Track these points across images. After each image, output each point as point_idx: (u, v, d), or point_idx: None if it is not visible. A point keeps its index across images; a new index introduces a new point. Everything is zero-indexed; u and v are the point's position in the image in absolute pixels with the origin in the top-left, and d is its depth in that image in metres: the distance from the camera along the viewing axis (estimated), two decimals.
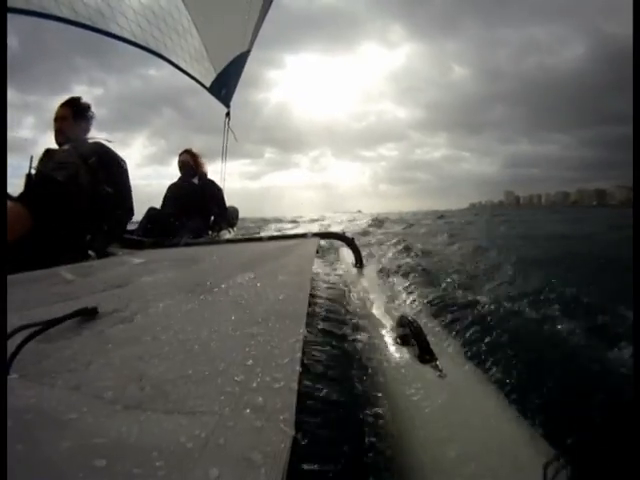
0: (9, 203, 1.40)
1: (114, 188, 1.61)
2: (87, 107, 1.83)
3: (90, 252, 1.45)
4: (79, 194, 1.45)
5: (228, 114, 3.60)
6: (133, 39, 2.78)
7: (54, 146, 1.74)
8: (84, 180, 1.48)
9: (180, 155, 3.13)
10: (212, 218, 3.16)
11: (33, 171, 1.58)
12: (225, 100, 3.58)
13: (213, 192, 3.16)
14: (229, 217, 3.37)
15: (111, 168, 1.66)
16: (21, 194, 1.42)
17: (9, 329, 0.48)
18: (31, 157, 1.56)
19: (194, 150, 3.13)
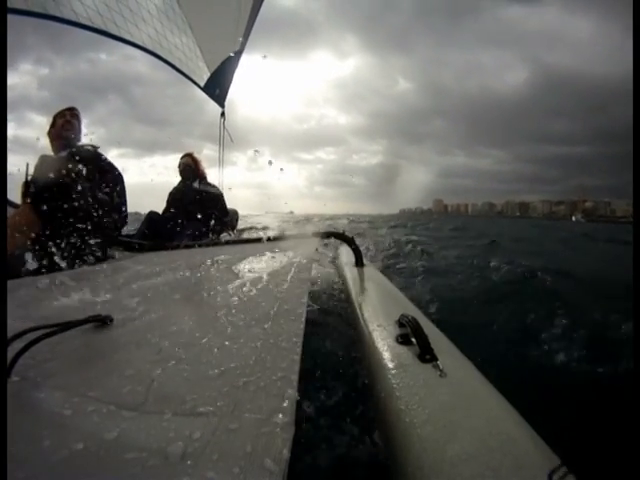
0: (13, 207, 1.42)
1: (109, 194, 1.64)
2: (79, 115, 1.91)
3: (89, 257, 1.46)
4: (81, 199, 1.47)
5: (223, 114, 3.58)
6: (130, 38, 2.78)
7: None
8: (84, 185, 1.50)
9: (181, 158, 3.14)
10: (212, 221, 3.16)
11: (29, 178, 1.59)
12: (219, 100, 3.56)
13: (214, 195, 3.17)
14: (229, 219, 3.37)
15: (107, 174, 1.70)
16: (31, 198, 1.44)
17: (16, 333, 0.47)
18: (27, 164, 1.58)
19: (195, 154, 3.15)
